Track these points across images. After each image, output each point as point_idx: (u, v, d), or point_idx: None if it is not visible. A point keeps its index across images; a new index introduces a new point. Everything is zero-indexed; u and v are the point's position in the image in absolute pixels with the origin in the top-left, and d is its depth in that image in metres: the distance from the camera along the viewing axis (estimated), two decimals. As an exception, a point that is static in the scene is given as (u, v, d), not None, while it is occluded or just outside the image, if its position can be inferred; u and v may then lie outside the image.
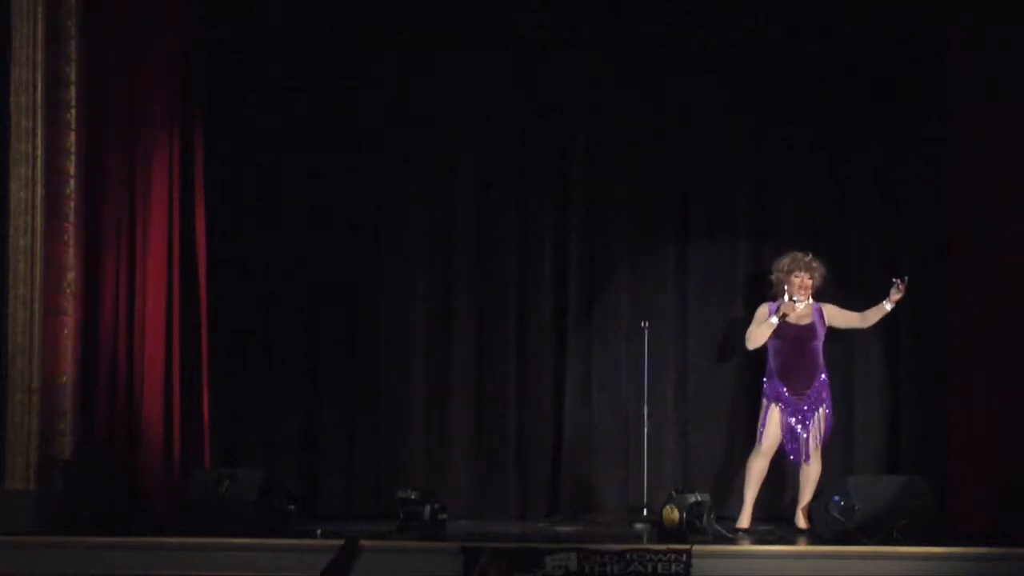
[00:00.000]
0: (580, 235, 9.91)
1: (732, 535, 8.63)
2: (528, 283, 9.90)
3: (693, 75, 9.80)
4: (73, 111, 9.08)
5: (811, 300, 9.07)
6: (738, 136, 9.85)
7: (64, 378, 8.98)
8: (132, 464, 9.12)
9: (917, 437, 9.60)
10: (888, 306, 9.03)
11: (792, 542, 8.61)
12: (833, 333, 9.24)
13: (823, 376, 9.04)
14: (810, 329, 9.03)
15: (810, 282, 9.06)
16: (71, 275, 9.05)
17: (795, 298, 9.00)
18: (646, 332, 9.44)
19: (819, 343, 9.06)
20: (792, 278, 9.05)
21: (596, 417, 9.81)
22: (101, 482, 8.82)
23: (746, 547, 8.33)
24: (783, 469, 9.23)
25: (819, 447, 8.98)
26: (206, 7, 9.58)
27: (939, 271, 9.41)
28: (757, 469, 8.98)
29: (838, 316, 9.17)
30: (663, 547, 7.93)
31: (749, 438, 9.25)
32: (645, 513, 9.18)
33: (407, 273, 9.92)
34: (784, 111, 9.77)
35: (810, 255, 9.11)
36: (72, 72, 9.07)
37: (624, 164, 9.91)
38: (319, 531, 8.48)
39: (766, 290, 9.28)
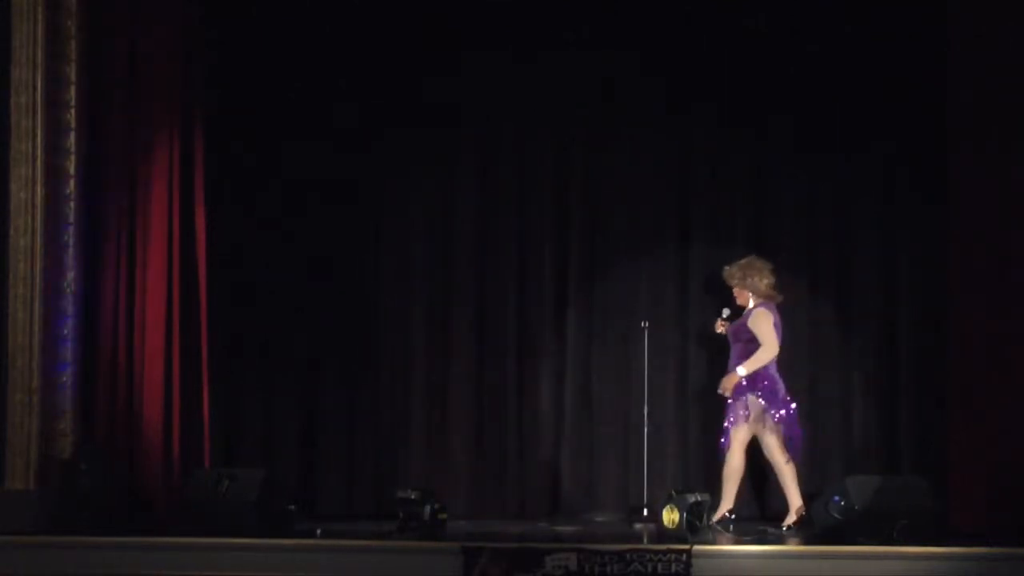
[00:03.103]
0: (580, 235, 9.91)
1: (731, 535, 8.62)
2: (528, 283, 9.91)
3: (693, 75, 9.80)
4: (73, 111, 9.08)
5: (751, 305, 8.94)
6: (738, 136, 9.85)
7: (64, 378, 8.98)
8: (132, 464, 9.13)
9: (917, 437, 9.60)
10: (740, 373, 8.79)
11: (792, 542, 8.60)
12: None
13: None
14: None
15: (738, 291, 8.98)
16: (71, 275, 9.06)
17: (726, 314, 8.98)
18: (646, 332, 9.44)
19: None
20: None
21: (596, 417, 9.82)
22: (101, 482, 8.82)
23: (746, 547, 8.31)
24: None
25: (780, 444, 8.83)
26: (206, 7, 9.59)
27: (939, 270, 9.41)
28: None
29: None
30: (663, 547, 7.92)
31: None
32: (645, 513, 9.19)
33: (407, 273, 9.93)
34: (784, 111, 9.76)
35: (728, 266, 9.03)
36: (72, 72, 9.07)
37: (624, 164, 9.91)
38: (319, 531, 8.49)
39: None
